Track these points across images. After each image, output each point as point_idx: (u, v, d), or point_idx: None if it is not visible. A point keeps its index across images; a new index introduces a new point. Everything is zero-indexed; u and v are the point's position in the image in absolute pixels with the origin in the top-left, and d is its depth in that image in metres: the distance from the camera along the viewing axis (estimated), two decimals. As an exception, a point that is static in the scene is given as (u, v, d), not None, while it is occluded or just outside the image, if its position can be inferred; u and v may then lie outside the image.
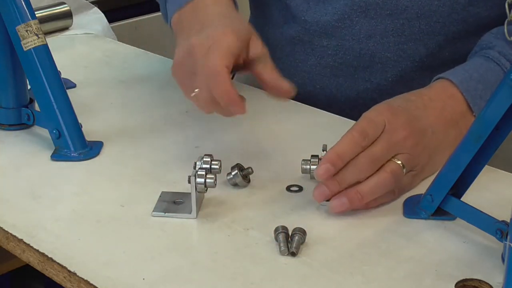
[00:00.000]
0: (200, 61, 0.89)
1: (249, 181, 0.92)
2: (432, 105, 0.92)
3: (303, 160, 0.89)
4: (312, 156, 0.89)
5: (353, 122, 0.89)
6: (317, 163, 0.87)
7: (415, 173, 0.89)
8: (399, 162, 0.86)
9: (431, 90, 0.95)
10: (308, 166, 0.88)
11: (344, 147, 0.85)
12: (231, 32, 0.90)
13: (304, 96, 1.15)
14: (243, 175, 0.91)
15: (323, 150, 0.87)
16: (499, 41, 0.99)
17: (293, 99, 1.13)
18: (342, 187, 0.85)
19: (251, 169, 0.91)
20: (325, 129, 1.04)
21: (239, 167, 0.91)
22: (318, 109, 1.11)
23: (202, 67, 0.89)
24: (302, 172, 0.89)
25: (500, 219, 0.77)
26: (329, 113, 1.09)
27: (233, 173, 0.91)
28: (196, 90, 0.89)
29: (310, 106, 1.12)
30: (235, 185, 0.91)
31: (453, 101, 0.94)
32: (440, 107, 0.93)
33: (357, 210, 0.86)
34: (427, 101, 0.93)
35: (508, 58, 0.97)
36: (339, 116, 1.06)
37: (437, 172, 0.83)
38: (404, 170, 0.87)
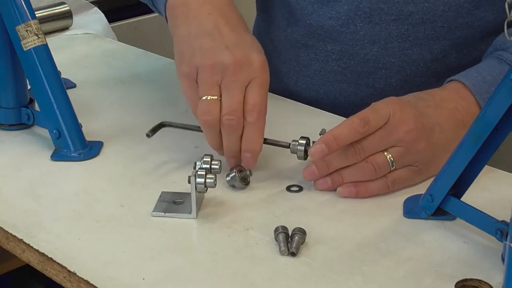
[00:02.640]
0: (236, 86, 0.89)
1: (247, 183, 0.91)
2: (444, 105, 0.93)
3: (293, 140, 0.92)
4: (302, 137, 0.92)
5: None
6: (303, 144, 0.91)
7: (417, 169, 0.89)
8: (389, 155, 0.88)
9: (443, 90, 0.96)
10: (296, 147, 0.92)
11: (342, 131, 0.87)
12: (267, 68, 0.91)
13: (307, 101, 1.15)
14: (241, 178, 0.90)
15: (320, 134, 0.90)
16: None
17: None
18: (330, 170, 0.89)
19: (250, 171, 0.91)
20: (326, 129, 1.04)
21: (238, 169, 0.91)
22: (320, 110, 1.11)
23: (236, 98, 0.89)
24: (291, 152, 0.92)
25: (500, 219, 0.76)
26: (330, 113, 1.09)
27: (231, 175, 0.90)
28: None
29: (311, 107, 1.12)
30: (233, 186, 0.91)
31: (466, 103, 0.94)
32: (452, 107, 0.93)
33: (358, 210, 0.87)
34: (439, 100, 0.93)
35: None
36: (340, 117, 1.06)
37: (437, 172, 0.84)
38: (394, 164, 0.88)
